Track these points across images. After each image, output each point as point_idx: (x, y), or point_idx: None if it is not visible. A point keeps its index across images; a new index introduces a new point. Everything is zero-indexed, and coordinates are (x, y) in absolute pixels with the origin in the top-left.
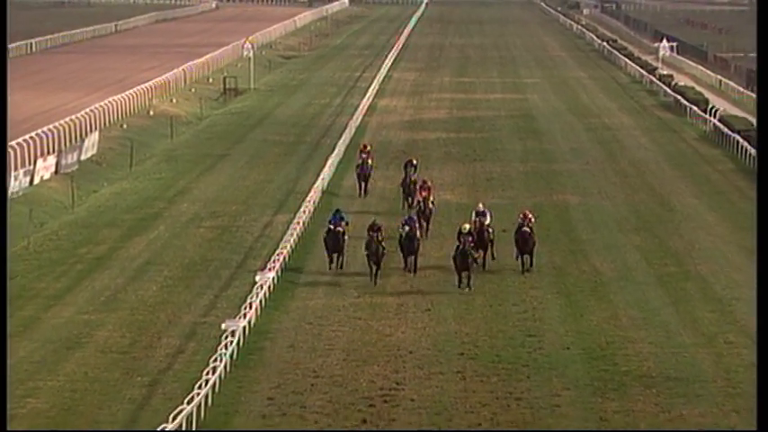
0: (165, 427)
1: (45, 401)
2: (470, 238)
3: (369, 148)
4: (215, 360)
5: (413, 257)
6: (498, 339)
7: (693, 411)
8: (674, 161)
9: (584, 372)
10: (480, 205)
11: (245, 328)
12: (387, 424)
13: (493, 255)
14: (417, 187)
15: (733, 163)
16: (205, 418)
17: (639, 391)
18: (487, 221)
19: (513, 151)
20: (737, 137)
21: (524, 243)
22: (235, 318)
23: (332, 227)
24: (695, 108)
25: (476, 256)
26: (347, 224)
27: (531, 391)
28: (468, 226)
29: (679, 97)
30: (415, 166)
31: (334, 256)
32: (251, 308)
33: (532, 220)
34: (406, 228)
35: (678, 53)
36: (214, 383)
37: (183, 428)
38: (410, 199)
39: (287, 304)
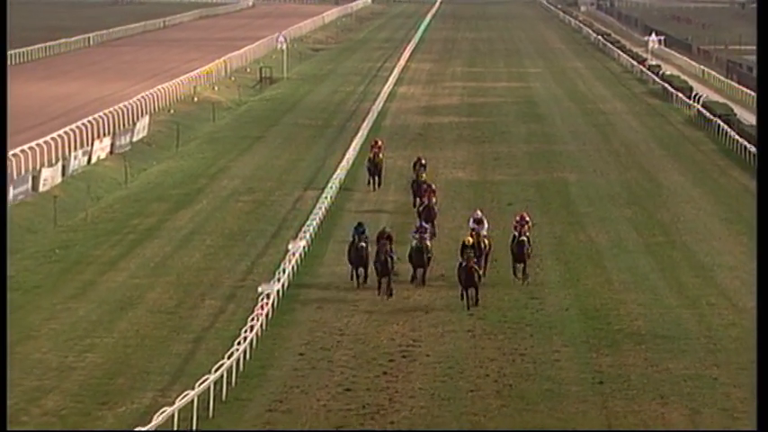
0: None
1: (101, 356)
2: (473, 253)
3: (380, 143)
4: (252, 319)
5: (422, 270)
6: (504, 301)
7: (679, 365)
8: (661, 142)
9: (581, 330)
10: (478, 212)
11: (278, 291)
12: (405, 376)
13: (485, 271)
14: (424, 188)
15: (715, 144)
16: (244, 371)
17: (631, 348)
18: (485, 230)
19: (517, 134)
20: (719, 121)
21: (520, 252)
22: (269, 282)
23: (355, 239)
24: (681, 95)
25: (481, 273)
26: (367, 237)
27: (534, 348)
28: (471, 239)
29: (666, 85)
30: (425, 165)
31: (360, 270)
32: (284, 273)
33: (529, 225)
34: (417, 236)
35: (665, 46)
36: (251, 340)
37: (175, 428)
38: (419, 199)
39: (316, 270)
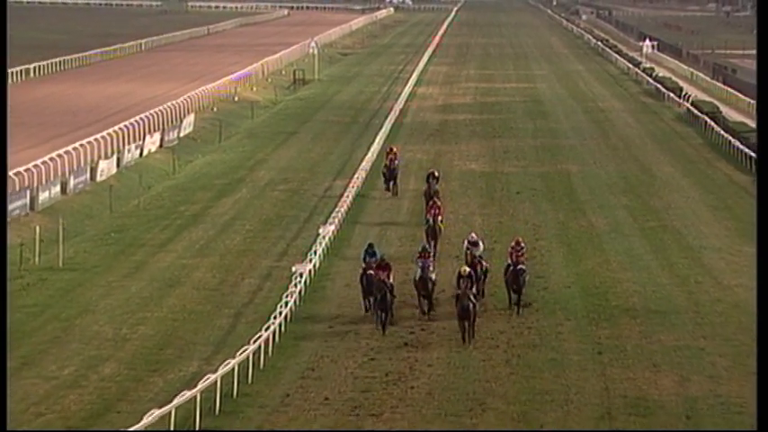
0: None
1: (152, 328)
2: (469, 283)
3: (395, 149)
4: (287, 296)
5: (427, 300)
6: None
7: (670, 337)
8: (654, 137)
9: (581, 306)
10: (473, 234)
11: (310, 270)
12: (423, 347)
13: (483, 292)
14: (430, 205)
15: (702, 139)
16: (279, 342)
17: (626, 321)
18: (480, 251)
19: (525, 129)
20: (706, 118)
21: (514, 280)
22: (302, 262)
23: (364, 266)
24: (672, 94)
25: (476, 303)
26: (376, 261)
27: (540, 321)
28: (467, 269)
29: (659, 86)
30: (437, 178)
31: (371, 299)
32: (315, 254)
33: (525, 251)
34: (420, 263)
35: (658, 50)
36: (286, 315)
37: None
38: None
39: (344, 252)
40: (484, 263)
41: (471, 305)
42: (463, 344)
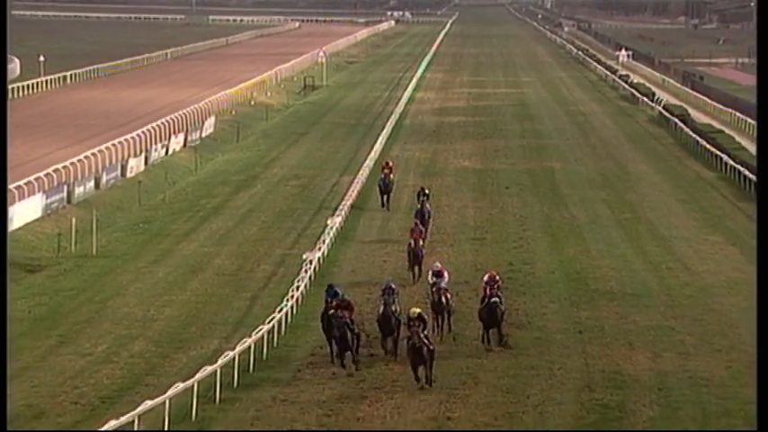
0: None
1: (177, 310)
2: (421, 325)
3: (391, 164)
4: (298, 281)
5: (391, 339)
6: (503, 266)
7: (644, 318)
8: (630, 137)
9: (564, 289)
10: (437, 264)
11: (319, 258)
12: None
13: (450, 326)
14: (412, 228)
15: (673, 139)
16: (292, 322)
17: (604, 303)
18: (444, 283)
19: (513, 130)
20: (676, 120)
21: (491, 316)
22: (312, 250)
23: (325, 306)
24: (645, 99)
25: (431, 347)
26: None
27: (527, 304)
28: (417, 310)
29: (633, 91)
30: (428, 195)
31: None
32: (324, 243)
33: (500, 284)
34: (383, 299)
35: (633, 59)
36: (297, 298)
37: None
38: (425, 228)
39: (349, 241)
40: (449, 297)
41: (425, 348)
42: (420, 388)
